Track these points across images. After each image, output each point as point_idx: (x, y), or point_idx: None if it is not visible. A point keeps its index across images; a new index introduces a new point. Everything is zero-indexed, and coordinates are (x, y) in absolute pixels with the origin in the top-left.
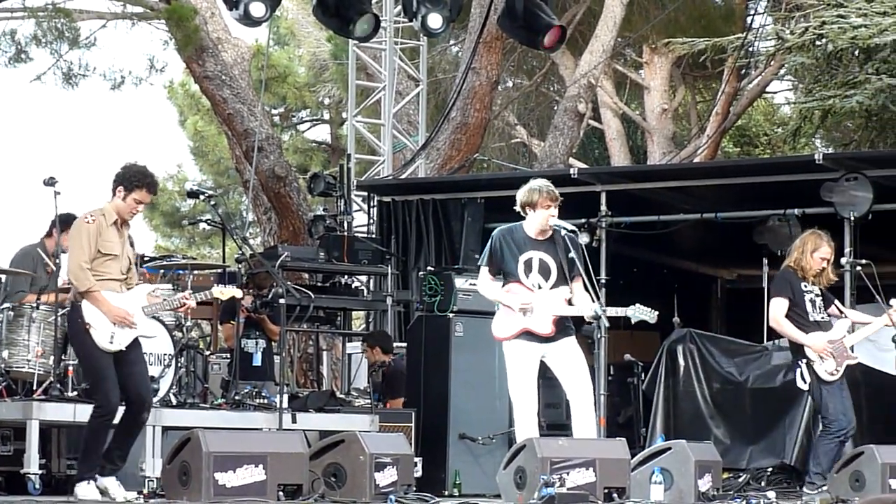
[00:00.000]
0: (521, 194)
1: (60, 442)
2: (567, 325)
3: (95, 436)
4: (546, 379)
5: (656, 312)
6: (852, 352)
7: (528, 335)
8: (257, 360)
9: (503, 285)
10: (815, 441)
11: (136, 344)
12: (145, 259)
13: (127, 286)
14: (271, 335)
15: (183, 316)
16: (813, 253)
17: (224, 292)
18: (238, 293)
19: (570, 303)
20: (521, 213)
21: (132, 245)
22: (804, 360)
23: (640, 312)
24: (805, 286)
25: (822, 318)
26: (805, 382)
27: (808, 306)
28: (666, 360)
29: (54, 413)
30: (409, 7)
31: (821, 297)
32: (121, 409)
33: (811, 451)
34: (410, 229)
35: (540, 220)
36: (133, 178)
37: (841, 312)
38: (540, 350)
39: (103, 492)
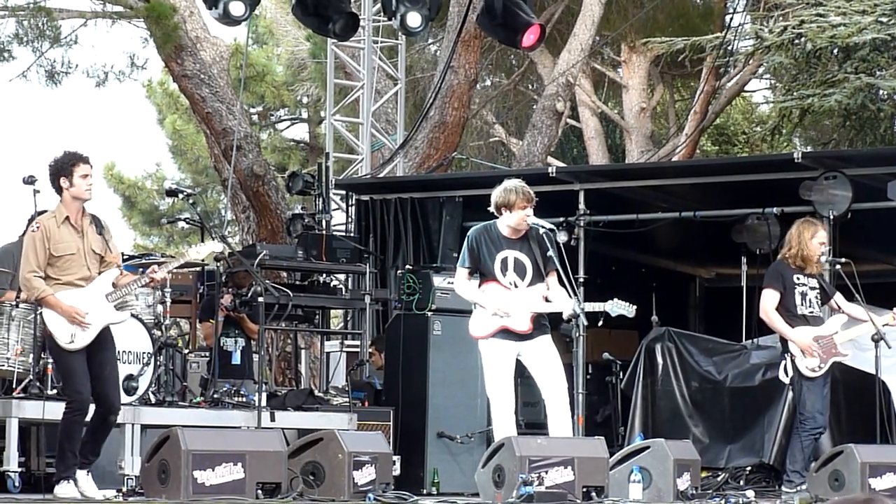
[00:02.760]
0: (496, 195)
1: (40, 440)
2: (543, 323)
3: (69, 434)
4: (524, 377)
5: (634, 306)
6: (842, 349)
7: (506, 333)
8: (236, 359)
9: (480, 284)
10: (791, 438)
11: (109, 342)
12: (124, 257)
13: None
14: (250, 333)
15: (162, 314)
16: (812, 239)
17: (200, 251)
18: (217, 247)
19: (546, 299)
20: (496, 214)
21: (100, 229)
22: (789, 354)
23: (618, 307)
24: (798, 278)
25: (812, 311)
26: (787, 376)
27: (798, 299)
28: (644, 358)
29: (33, 411)
30: (389, 6)
31: (817, 291)
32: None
33: (788, 449)
34: (388, 228)
35: (516, 220)
36: (66, 164)
37: (839, 308)
38: (516, 348)
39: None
